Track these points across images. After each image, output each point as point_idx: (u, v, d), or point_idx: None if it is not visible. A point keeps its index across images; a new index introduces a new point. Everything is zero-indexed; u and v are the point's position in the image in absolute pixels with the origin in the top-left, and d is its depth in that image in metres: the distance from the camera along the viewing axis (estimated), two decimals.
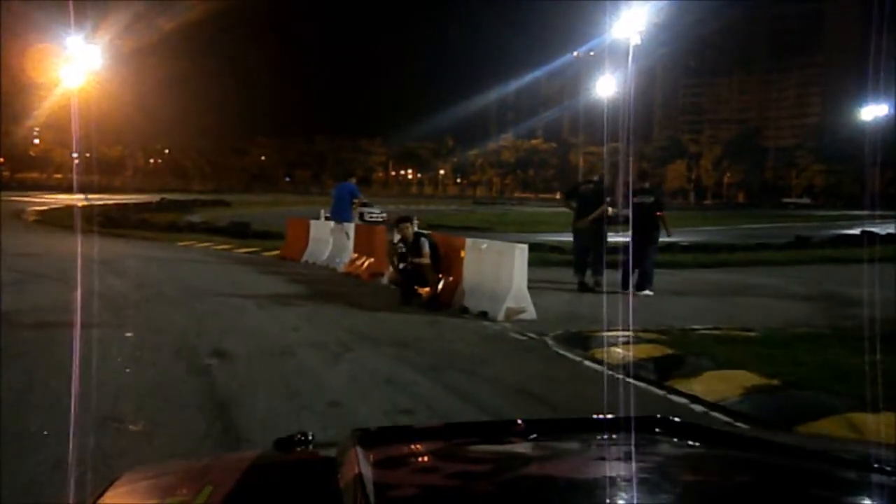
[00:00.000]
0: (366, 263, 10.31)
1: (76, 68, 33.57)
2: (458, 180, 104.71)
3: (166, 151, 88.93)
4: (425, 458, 1.23)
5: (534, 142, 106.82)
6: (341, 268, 11.04)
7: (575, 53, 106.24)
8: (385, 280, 9.37)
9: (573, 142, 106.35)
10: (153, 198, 39.06)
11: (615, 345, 5.80)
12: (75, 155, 62.63)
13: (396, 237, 8.42)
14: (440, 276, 8.07)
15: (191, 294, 8.45)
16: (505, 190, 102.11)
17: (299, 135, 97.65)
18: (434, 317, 7.32)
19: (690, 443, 1.28)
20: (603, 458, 1.24)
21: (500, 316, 7.11)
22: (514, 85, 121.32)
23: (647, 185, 9.61)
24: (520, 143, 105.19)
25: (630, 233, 9.39)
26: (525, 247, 7.41)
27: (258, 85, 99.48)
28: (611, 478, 1.09)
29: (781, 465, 1.13)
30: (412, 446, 1.29)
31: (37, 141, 73.12)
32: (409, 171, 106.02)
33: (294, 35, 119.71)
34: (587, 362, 5.54)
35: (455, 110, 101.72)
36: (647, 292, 9.11)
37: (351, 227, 11.27)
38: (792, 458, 1.17)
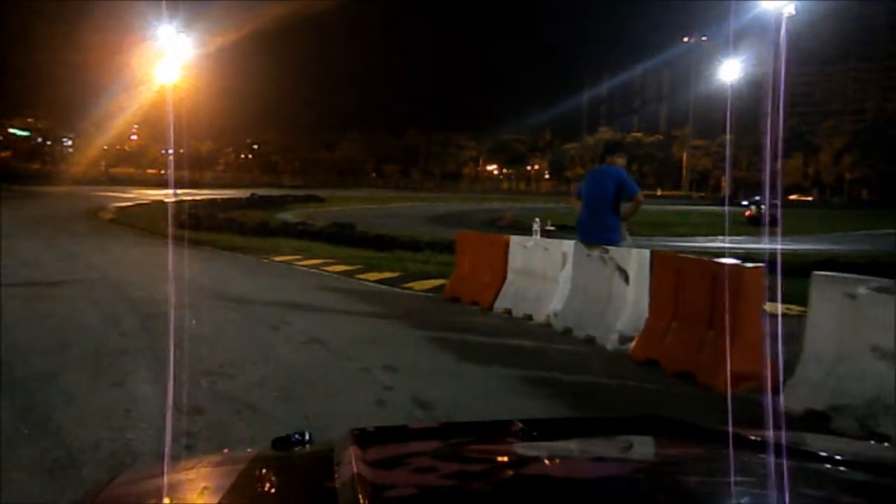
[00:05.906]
0: (708, 352, 4.34)
1: (171, 64, 33.27)
2: (547, 175, 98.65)
3: (255, 146, 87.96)
4: (423, 458, 1.16)
5: (636, 134, 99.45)
6: (615, 343, 5.15)
7: (685, 39, 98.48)
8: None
9: (676, 134, 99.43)
10: (243, 193, 36.13)
11: None
12: (170, 151, 62.98)
13: None
14: None
15: None
16: None
17: (389, 129, 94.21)
18: None
19: (687, 442, 1.26)
20: (599, 458, 1.21)
21: None
22: (616, 75, 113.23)
23: None
24: (622, 136, 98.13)
25: None
26: None
27: (348, 79, 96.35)
28: (607, 477, 1.07)
29: (780, 464, 1.11)
30: (409, 446, 1.25)
31: (134, 137, 75.31)
32: (496, 166, 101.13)
33: (384, 28, 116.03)
34: None
35: (550, 103, 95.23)
36: None
37: (636, 259, 5.24)
38: (790, 458, 1.15)
